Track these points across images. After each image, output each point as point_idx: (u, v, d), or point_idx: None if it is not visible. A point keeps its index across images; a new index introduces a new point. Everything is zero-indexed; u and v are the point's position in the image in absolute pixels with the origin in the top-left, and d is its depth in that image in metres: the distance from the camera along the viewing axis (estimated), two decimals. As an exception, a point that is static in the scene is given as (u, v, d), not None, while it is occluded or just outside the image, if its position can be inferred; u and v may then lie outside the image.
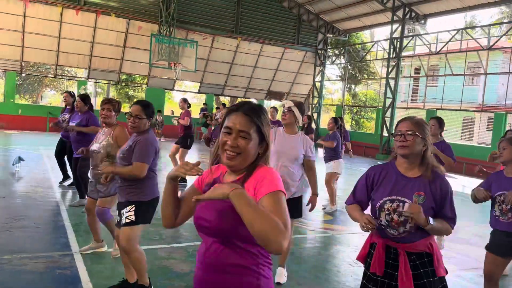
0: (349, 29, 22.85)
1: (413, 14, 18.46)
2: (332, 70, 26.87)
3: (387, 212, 2.35)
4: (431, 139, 5.20)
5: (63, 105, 7.81)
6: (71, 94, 7.28)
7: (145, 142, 3.38)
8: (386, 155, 18.66)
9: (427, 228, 2.27)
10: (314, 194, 4.06)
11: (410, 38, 18.61)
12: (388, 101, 18.99)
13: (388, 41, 19.49)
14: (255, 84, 23.00)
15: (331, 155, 7.34)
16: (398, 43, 18.70)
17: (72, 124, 6.22)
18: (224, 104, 13.52)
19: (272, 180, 1.57)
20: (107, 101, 4.27)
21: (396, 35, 18.85)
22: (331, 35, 23.55)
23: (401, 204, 2.32)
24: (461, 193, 11.59)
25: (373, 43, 21.89)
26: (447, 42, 16.88)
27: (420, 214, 2.22)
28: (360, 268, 4.60)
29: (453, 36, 16.74)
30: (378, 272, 2.41)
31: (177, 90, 23.64)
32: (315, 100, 24.21)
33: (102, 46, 18.98)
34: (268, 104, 23.80)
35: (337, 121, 7.52)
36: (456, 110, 18.32)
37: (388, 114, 19.01)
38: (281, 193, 1.55)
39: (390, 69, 19.06)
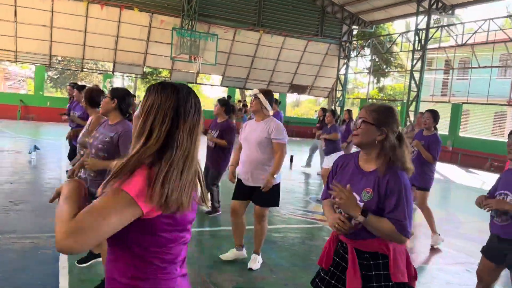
0: (375, 20, 22.35)
1: (440, 4, 17.86)
2: (361, 63, 26.44)
3: (336, 206, 2.21)
4: (425, 132, 5.28)
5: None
6: (73, 86, 7.54)
7: (128, 134, 3.24)
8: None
9: (359, 220, 2.04)
10: (270, 174, 3.98)
11: (436, 29, 18.02)
12: (413, 95, 18.52)
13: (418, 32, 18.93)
14: (278, 77, 22.92)
15: (332, 148, 7.26)
16: (424, 34, 18.16)
17: (74, 114, 6.45)
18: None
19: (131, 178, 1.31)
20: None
21: (423, 26, 18.32)
22: (356, 27, 23.16)
23: None
24: (477, 188, 11.23)
25: (398, 34, 21.34)
26: (473, 33, 16.25)
27: (348, 203, 2.05)
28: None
29: (479, 27, 16.08)
30: (324, 265, 2.34)
31: (200, 84, 23.89)
32: (339, 94, 23.89)
33: (127, 40, 19.40)
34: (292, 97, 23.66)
35: (335, 113, 7.43)
36: (482, 104, 17.62)
37: (413, 108, 18.53)
38: (121, 192, 1.27)
39: (414, 61, 18.56)
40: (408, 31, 20.87)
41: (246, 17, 20.73)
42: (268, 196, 4.02)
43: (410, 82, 18.63)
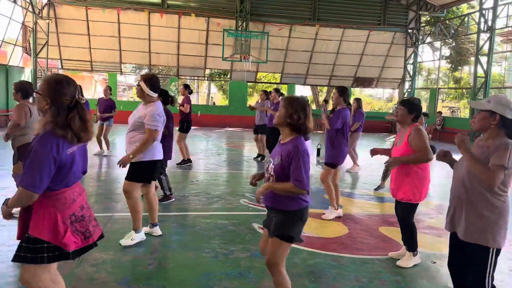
0: (446, 3, 20.61)
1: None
2: (434, 50, 24.54)
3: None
4: (338, 107, 5.53)
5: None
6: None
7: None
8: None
9: None
10: (130, 152, 4.23)
11: (503, 6, 16.08)
12: (481, 82, 16.75)
13: (484, 12, 17.09)
14: (340, 71, 22.31)
15: None
16: (491, 14, 16.34)
17: None
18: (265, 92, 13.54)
19: None
20: None
21: (489, 5, 16.53)
22: (426, 12, 21.61)
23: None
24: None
25: (463, 16, 19.42)
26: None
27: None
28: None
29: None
30: None
31: (259, 82, 24.24)
32: (408, 85, 22.47)
33: (187, 44, 20.56)
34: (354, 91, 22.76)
35: (326, 101, 7.22)
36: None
37: (481, 96, 16.77)
38: None
39: (480, 45, 16.80)
40: (465, 15, 18.94)
41: (300, 12, 20.59)
42: (130, 171, 4.36)
43: (475, 68, 16.95)
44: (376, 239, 5.12)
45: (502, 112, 2.74)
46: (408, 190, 4.09)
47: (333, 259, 4.43)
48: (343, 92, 5.77)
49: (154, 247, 4.49)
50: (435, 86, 21.99)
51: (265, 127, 9.83)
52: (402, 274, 4.12)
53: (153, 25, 19.82)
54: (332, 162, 5.71)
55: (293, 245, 4.63)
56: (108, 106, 10.43)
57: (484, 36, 17.00)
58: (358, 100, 9.96)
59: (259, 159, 10.73)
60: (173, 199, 6.35)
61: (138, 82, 4.40)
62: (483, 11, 16.57)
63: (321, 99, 30.45)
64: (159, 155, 4.48)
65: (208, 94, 31.30)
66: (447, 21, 20.12)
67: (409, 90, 22.38)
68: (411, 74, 22.23)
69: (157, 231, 4.72)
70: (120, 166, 4.20)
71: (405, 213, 4.26)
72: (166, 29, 20.02)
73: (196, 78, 24.14)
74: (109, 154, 10.45)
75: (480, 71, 16.82)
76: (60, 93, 2.41)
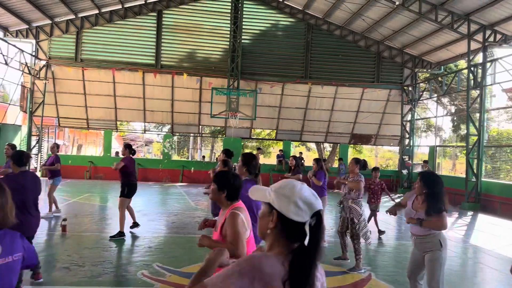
0: (442, 61, 20.39)
1: (498, 36, 15.63)
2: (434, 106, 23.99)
3: None
4: (243, 176, 4.76)
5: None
6: (12, 146, 8.29)
7: None
8: (473, 203, 15.57)
9: None
10: None
11: (490, 63, 15.63)
12: (474, 140, 16.02)
13: (473, 69, 16.67)
14: (336, 127, 22.01)
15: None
16: (480, 71, 15.91)
17: None
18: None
19: None
20: None
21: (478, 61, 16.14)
22: (423, 70, 21.43)
23: None
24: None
25: (454, 73, 19.00)
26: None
27: None
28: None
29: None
30: None
31: (254, 138, 24.13)
32: (407, 142, 21.84)
33: (181, 102, 20.92)
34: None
35: (226, 163, 6.74)
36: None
37: (473, 155, 15.98)
38: None
39: (471, 101, 16.25)
40: (455, 72, 18.54)
41: (292, 71, 20.79)
42: None
43: (467, 126, 16.28)
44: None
45: (284, 210, 1.60)
46: None
47: None
48: (248, 160, 4.44)
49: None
50: (433, 144, 21.26)
51: None
52: None
53: (148, 84, 20.36)
54: None
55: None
56: (51, 163, 10.30)
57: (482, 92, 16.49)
58: (318, 161, 9.48)
59: None
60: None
61: None
62: (472, 68, 16.15)
63: (327, 154, 30.01)
64: None
65: (211, 150, 31.53)
66: (440, 78, 19.71)
67: (407, 147, 21.71)
68: (408, 131, 21.66)
69: None
70: None
71: None
72: (160, 87, 20.50)
73: (191, 134, 24.31)
74: (57, 212, 10.26)
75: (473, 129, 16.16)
76: None
